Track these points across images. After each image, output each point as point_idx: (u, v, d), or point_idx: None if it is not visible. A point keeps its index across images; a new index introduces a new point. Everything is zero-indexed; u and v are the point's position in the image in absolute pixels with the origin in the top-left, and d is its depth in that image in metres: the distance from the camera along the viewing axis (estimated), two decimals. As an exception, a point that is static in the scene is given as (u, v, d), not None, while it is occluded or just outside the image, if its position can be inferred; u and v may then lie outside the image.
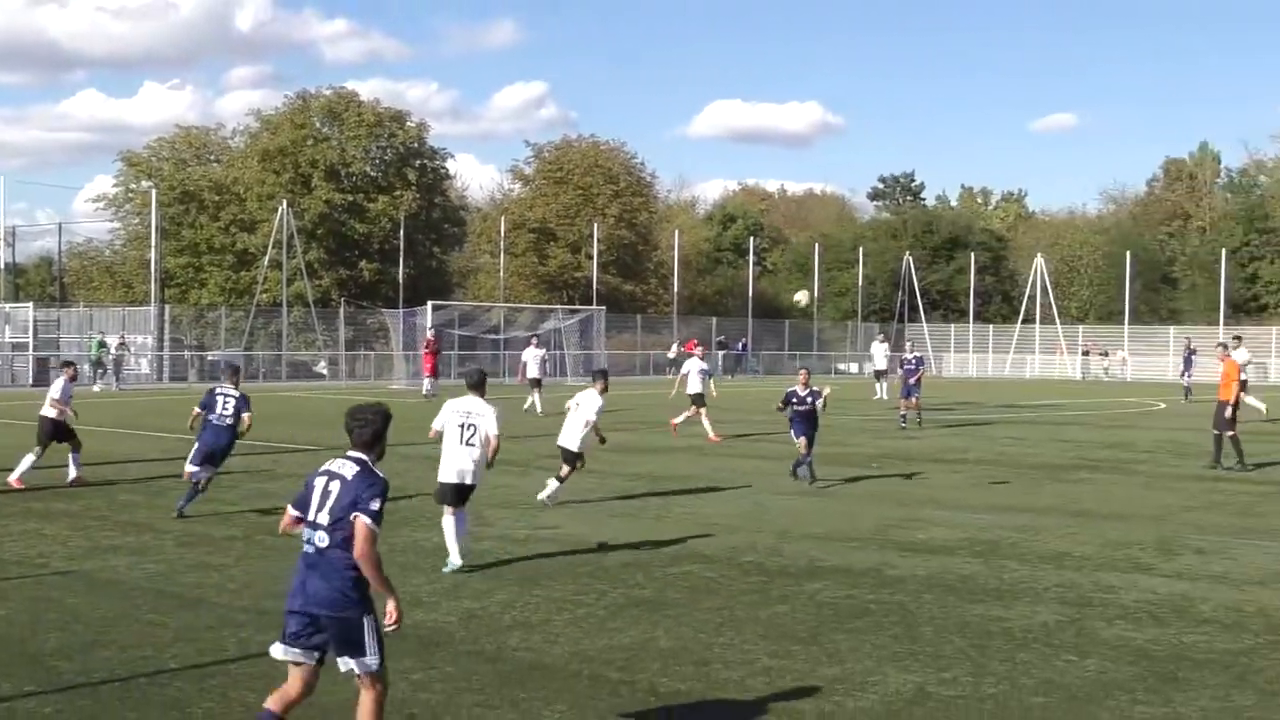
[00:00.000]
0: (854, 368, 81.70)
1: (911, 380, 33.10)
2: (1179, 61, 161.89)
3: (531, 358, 37.43)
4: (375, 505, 6.53)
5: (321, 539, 6.60)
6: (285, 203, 62.98)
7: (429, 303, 56.22)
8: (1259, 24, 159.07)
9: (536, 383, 36.62)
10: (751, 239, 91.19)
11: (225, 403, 17.13)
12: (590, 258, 74.61)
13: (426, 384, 46.47)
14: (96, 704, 8.26)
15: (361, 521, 6.47)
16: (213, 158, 75.49)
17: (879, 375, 48.36)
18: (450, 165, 78.04)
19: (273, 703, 6.73)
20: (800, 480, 20.33)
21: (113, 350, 54.35)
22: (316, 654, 6.68)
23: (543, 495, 17.67)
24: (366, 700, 6.68)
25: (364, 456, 6.82)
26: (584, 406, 18.10)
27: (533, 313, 66.75)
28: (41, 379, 55.15)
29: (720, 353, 73.74)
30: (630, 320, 74.21)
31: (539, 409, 35.00)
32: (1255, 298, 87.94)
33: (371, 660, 6.59)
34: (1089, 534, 15.72)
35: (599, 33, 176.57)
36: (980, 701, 8.53)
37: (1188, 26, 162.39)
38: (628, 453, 25.62)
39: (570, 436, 17.90)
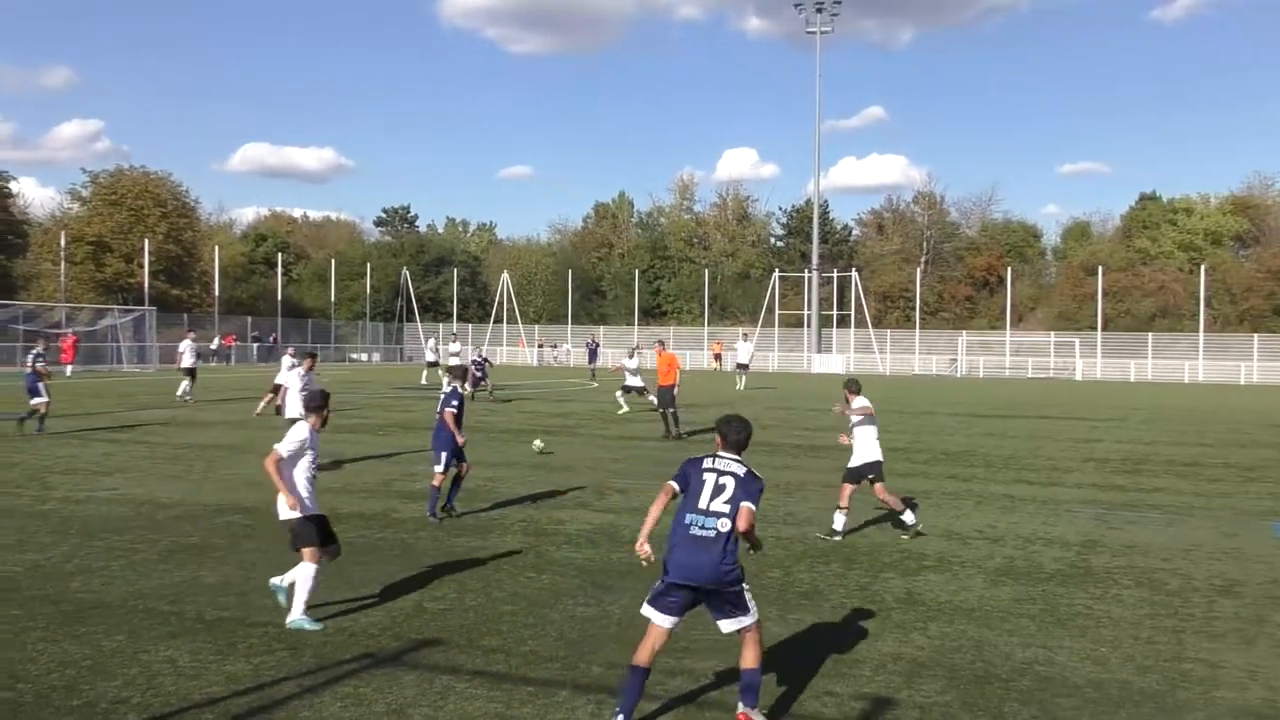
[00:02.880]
0: (364, 358, 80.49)
1: (480, 372, 35.44)
2: (604, 130, 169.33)
3: (187, 349, 33.51)
4: (759, 497, 6.47)
5: (724, 525, 6.32)
6: None
7: (-5, 302, 51.35)
8: (658, 105, 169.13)
9: (190, 372, 32.80)
10: (280, 254, 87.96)
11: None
12: (142, 267, 69.93)
13: (68, 369, 49.47)
14: None
15: (746, 507, 6.35)
16: None
17: (432, 365, 45.19)
18: (13, 186, 71.47)
19: (642, 658, 6.31)
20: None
21: None
22: (681, 618, 6.41)
23: None
24: (751, 642, 6.40)
25: (739, 457, 6.65)
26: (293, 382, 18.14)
27: (91, 312, 61.96)
28: None
29: (255, 345, 71.43)
30: (178, 318, 70.01)
31: (188, 395, 31.76)
32: (659, 305, 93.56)
33: (751, 617, 6.40)
34: (543, 481, 16.18)
35: (149, 83, 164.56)
36: (464, 612, 8.60)
37: (610, 104, 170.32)
38: (179, 426, 24.10)
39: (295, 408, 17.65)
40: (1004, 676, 7.26)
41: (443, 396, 13.38)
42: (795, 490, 15.58)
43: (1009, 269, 77.61)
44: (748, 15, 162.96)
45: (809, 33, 76.11)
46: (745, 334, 54.82)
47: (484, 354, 40.98)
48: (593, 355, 53.42)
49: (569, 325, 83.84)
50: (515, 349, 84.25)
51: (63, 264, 68.88)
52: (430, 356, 46.12)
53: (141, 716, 6.21)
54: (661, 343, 27.19)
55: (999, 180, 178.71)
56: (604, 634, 8.05)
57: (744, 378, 45.14)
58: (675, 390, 23.44)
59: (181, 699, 6.49)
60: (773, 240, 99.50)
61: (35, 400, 22.30)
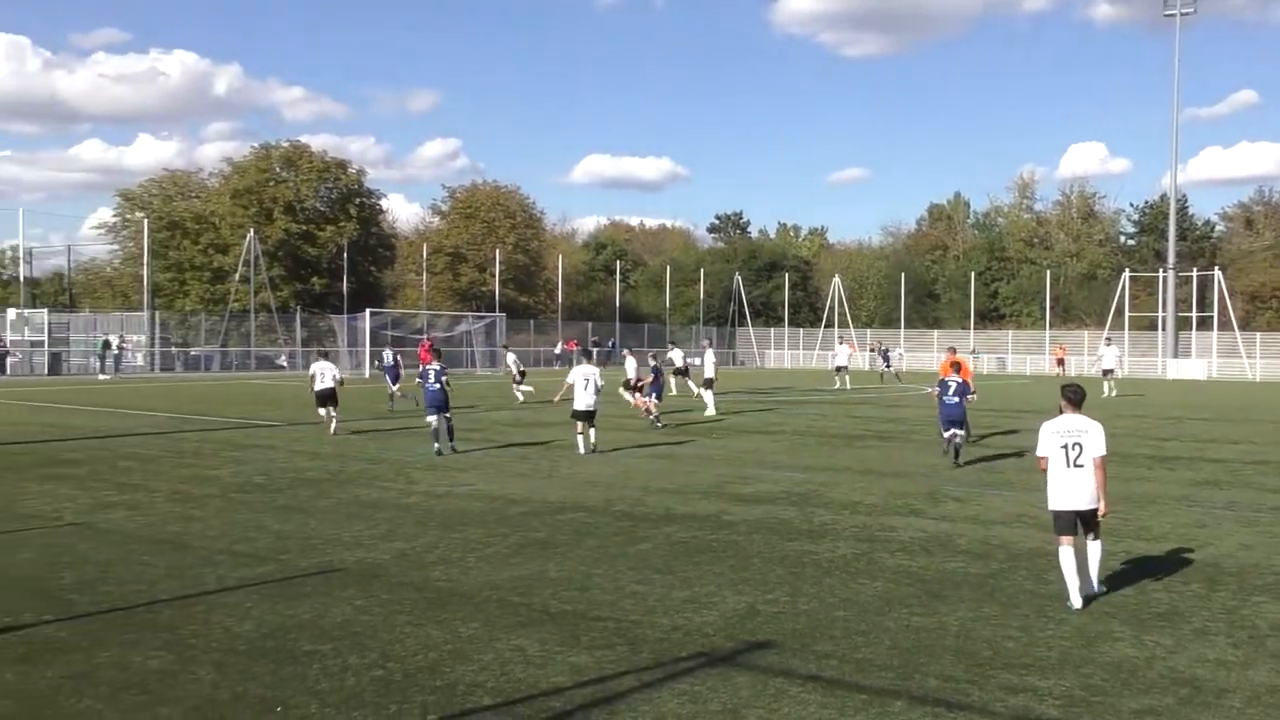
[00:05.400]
0: (696, 361, 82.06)
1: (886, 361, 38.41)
2: (940, 130, 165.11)
3: (630, 365, 35.47)
4: None
5: None
6: (252, 231, 62.53)
7: (367, 310, 56.19)
8: (997, 102, 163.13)
9: (678, 374, 35.75)
10: (618, 262, 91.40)
11: (430, 373, 19.94)
12: (493, 276, 74.63)
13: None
14: (103, 628, 8.00)
15: None
16: (193, 194, 73.69)
17: (681, 373, 44.26)
18: (383, 203, 78.14)
19: None
20: (947, 458, 18.73)
21: (114, 347, 52.95)
22: None
23: (581, 450, 19.40)
24: None
25: None
26: (590, 380, 19.83)
27: (449, 318, 66.69)
28: (56, 370, 53.61)
29: (595, 349, 74.60)
30: (525, 324, 74.38)
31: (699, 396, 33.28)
32: (996, 309, 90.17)
33: None
34: (876, 487, 15.95)
35: (501, 101, 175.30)
36: (796, 616, 8.60)
37: (947, 103, 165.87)
38: (523, 426, 25.46)
39: (585, 401, 19.71)
40: (1401, 719, 6.47)
41: (957, 384, 18.69)
42: (1149, 503, 14.57)
43: (1406, 263, 69.52)
44: (1097, 2, 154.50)
45: (1167, 15, 70.90)
46: (1108, 339, 51.59)
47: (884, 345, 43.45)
48: (886, 359, 53.83)
49: (901, 329, 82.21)
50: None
51: (424, 274, 74.69)
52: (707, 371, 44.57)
53: (495, 700, 6.58)
54: (953, 349, 26.78)
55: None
56: (939, 645, 7.82)
57: (1113, 384, 41.99)
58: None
59: (530, 686, 6.83)
60: (1122, 239, 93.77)
61: (397, 385, 30.58)
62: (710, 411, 28.92)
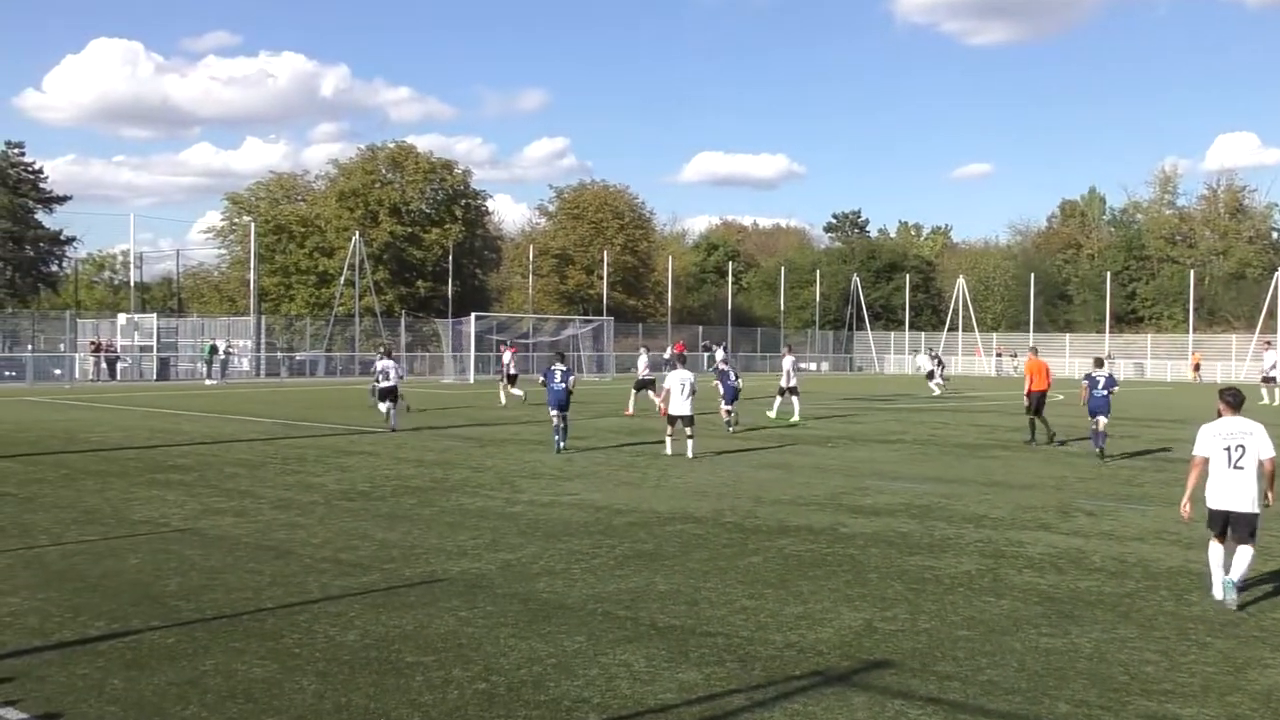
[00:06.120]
0: (812, 367, 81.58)
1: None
2: (1072, 121, 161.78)
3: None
4: None
5: None
6: (357, 234, 63.84)
7: (472, 314, 56.97)
8: (1136, 91, 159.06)
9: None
10: (730, 263, 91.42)
11: (556, 373, 21.63)
12: (601, 278, 75.18)
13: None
14: (209, 635, 8.23)
15: None
16: (299, 198, 75.67)
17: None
18: (489, 204, 79.00)
19: None
20: (1096, 452, 20.93)
21: (221, 352, 54.56)
22: None
23: (690, 453, 20.19)
24: None
25: None
26: (686, 384, 20.77)
27: (555, 322, 67.27)
28: (164, 375, 55.44)
29: (705, 354, 74.54)
30: (633, 328, 74.65)
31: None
32: (1134, 311, 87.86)
33: None
34: (1002, 500, 15.64)
35: (609, 99, 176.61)
36: (916, 634, 8.47)
37: (1080, 93, 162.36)
38: (631, 433, 25.55)
39: (682, 406, 20.66)
40: None
41: (1105, 378, 21.05)
42: (1302, 520, 14.03)
43: None
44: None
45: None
46: (1268, 342, 49.68)
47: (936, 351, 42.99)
48: (940, 364, 52.22)
49: (1030, 332, 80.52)
50: (971, 357, 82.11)
51: (530, 276, 75.50)
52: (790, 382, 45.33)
53: (601, 716, 6.60)
54: (1034, 349, 26.62)
55: None
56: (1071, 668, 7.63)
57: (1276, 391, 40.19)
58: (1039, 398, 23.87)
59: (637, 703, 6.84)
60: (1275, 235, 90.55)
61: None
62: (795, 418, 29.23)
